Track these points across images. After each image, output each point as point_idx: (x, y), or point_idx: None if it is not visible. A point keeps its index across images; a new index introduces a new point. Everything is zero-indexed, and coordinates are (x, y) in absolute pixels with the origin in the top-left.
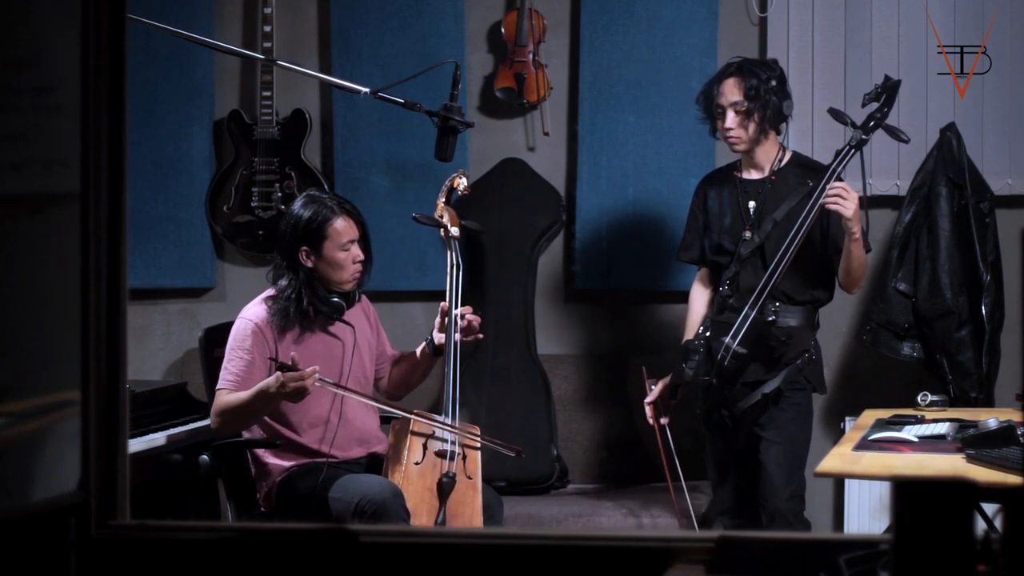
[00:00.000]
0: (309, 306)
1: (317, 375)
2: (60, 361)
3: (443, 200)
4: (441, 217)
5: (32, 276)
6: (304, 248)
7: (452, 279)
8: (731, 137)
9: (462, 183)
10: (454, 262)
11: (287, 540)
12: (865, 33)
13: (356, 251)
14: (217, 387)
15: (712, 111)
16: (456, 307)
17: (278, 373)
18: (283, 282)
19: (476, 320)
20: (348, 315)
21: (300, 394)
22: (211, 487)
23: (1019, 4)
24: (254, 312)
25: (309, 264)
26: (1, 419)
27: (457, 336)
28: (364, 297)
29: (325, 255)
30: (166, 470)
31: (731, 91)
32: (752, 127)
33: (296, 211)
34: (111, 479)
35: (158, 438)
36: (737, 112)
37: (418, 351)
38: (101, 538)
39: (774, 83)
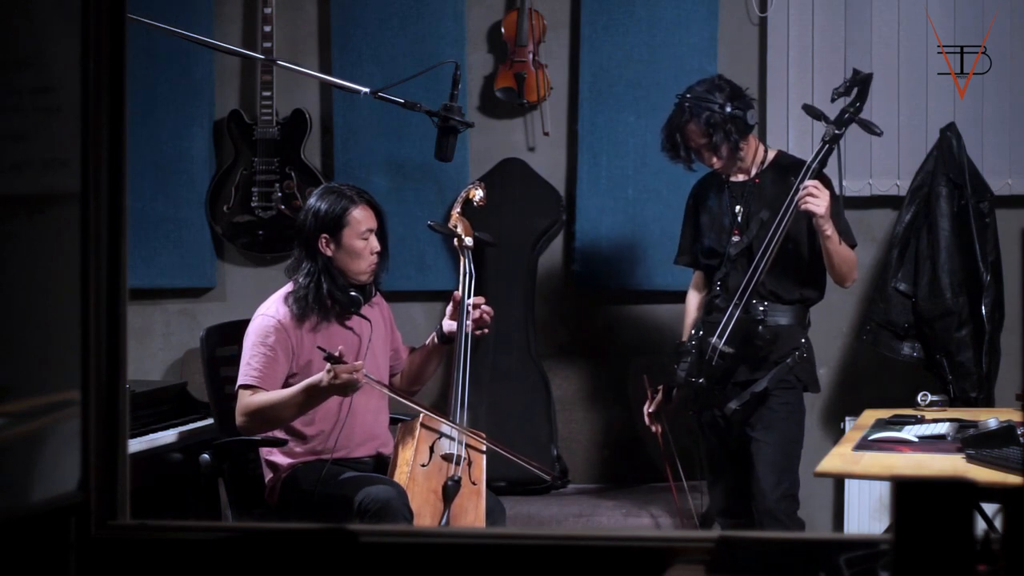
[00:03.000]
0: (328, 296)
1: (365, 371)
2: (60, 361)
3: (458, 210)
4: (455, 227)
5: (32, 276)
6: (324, 236)
7: (464, 287)
8: (714, 168)
9: (478, 194)
10: (467, 270)
11: (288, 540)
12: (865, 33)
13: (374, 242)
14: (239, 384)
15: (683, 154)
16: (467, 315)
17: (328, 366)
18: (300, 277)
19: (488, 312)
20: (364, 311)
21: (351, 387)
22: (211, 486)
23: (1019, 4)
24: (275, 309)
25: (328, 252)
26: (1, 419)
27: (469, 323)
28: (380, 297)
29: (344, 243)
30: (166, 470)
31: (694, 136)
32: (724, 157)
33: (316, 200)
34: (111, 479)
35: (158, 438)
36: (707, 150)
37: (428, 341)
38: (101, 538)
39: (729, 108)
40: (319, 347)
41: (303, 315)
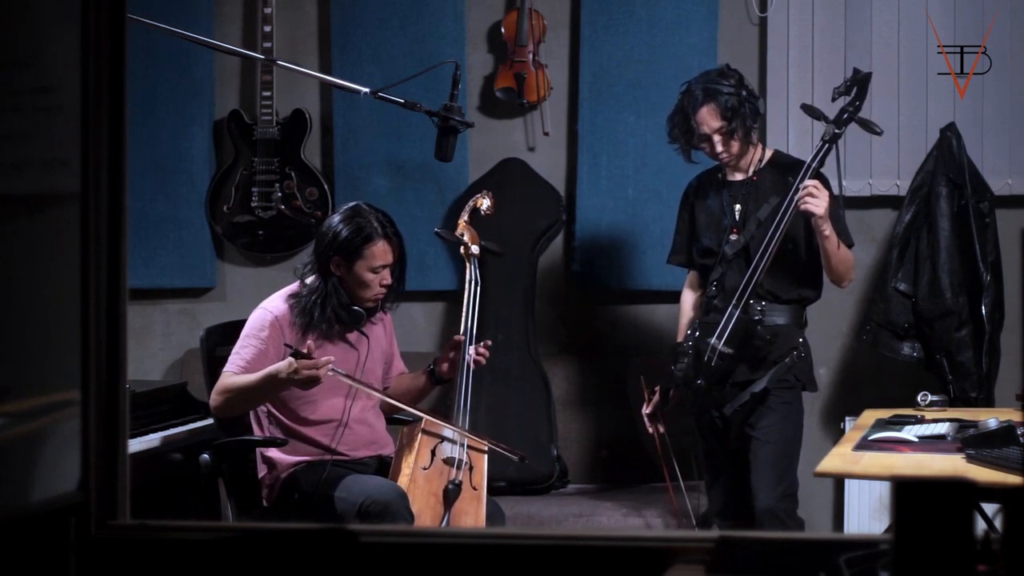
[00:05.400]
0: (332, 313)
1: (331, 365)
2: (60, 361)
3: (466, 219)
4: (462, 235)
5: (32, 276)
6: (337, 258)
7: (470, 295)
8: (722, 159)
9: (485, 203)
10: (473, 278)
11: (288, 540)
12: (865, 33)
13: (385, 275)
14: (224, 369)
15: (694, 141)
16: (472, 321)
17: (291, 359)
18: (310, 281)
19: (486, 355)
20: (366, 327)
21: (311, 382)
22: (211, 486)
23: (1019, 4)
24: (275, 306)
25: (338, 274)
26: (1, 419)
27: (470, 359)
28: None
29: (355, 271)
30: (166, 470)
31: (710, 119)
32: (737, 143)
33: (339, 221)
34: (111, 479)
35: (158, 438)
36: (721, 135)
37: (422, 377)
38: (101, 538)
39: (743, 92)
40: (286, 344)
41: (306, 327)
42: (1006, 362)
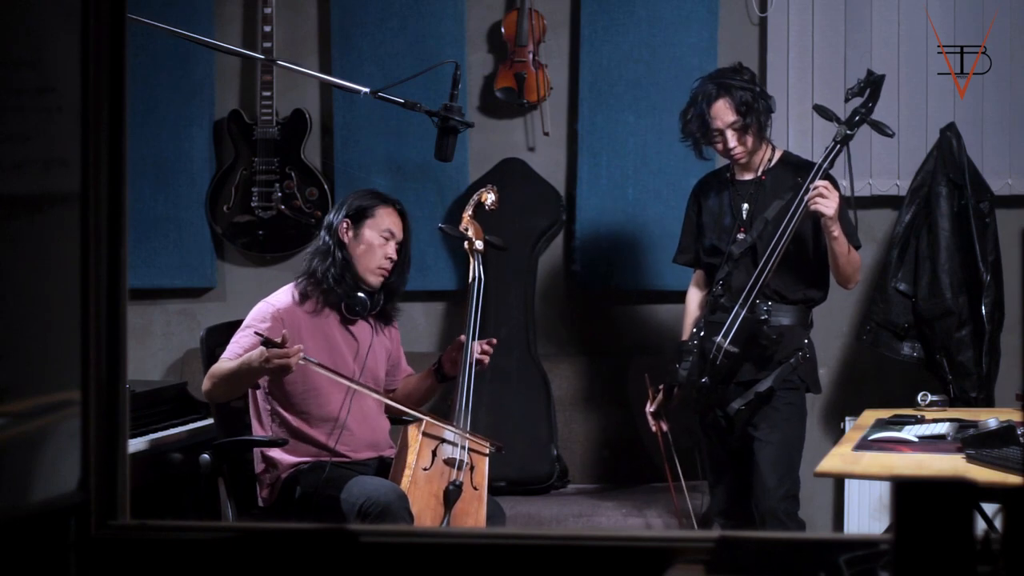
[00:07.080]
0: (336, 285)
1: (302, 354)
2: (60, 361)
3: (470, 213)
4: (466, 230)
5: (32, 276)
6: (347, 221)
7: (474, 291)
8: (735, 154)
9: (490, 198)
10: (477, 275)
11: (287, 540)
12: (865, 33)
13: (391, 248)
14: (221, 357)
15: (709, 136)
16: (477, 318)
17: (262, 348)
18: (316, 259)
19: (487, 355)
20: (372, 331)
21: (283, 371)
22: (212, 486)
23: (1019, 4)
24: (279, 299)
25: (346, 239)
26: (1, 419)
27: (474, 359)
28: (395, 325)
29: (363, 234)
30: (166, 470)
31: (724, 113)
32: (750, 139)
33: (354, 195)
34: (111, 479)
35: (158, 438)
36: (735, 130)
37: (428, 377)
38: (101, 538)
39: (757, 88)
40: (257, 332)
41: (311, 308)
42: (1006, 362)
